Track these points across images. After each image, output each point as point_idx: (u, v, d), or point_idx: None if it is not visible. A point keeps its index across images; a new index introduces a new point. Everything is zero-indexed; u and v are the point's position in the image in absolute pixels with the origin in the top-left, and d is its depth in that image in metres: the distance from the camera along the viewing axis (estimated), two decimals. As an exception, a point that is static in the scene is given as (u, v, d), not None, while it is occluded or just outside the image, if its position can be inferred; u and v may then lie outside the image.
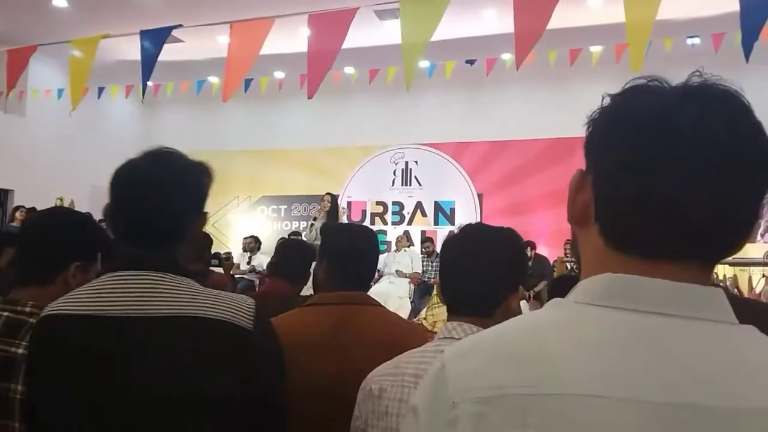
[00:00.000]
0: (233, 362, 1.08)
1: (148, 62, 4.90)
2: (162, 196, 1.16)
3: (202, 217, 1.26)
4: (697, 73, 0.63)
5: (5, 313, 1.36)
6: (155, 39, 4.97)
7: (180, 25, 5.04)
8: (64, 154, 11.25)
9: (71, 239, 1.47)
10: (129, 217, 1.18)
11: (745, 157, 0.59)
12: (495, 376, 0.57)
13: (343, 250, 1.74)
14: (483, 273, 1.29)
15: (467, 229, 1.40)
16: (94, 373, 1.07)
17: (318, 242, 6.45)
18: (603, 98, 0.65)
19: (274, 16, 4.62)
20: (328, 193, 7.42)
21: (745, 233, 0.61)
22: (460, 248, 1.35)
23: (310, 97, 4.31)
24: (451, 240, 1.39)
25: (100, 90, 9.22)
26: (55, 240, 1.46)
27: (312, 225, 7.03)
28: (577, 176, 0.67)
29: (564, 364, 0.56)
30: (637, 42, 3.79)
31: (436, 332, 1.39)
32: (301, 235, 8.20)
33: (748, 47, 3.53)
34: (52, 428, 1.11)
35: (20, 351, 1.29)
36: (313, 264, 2.81)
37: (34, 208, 9.23)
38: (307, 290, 2.85)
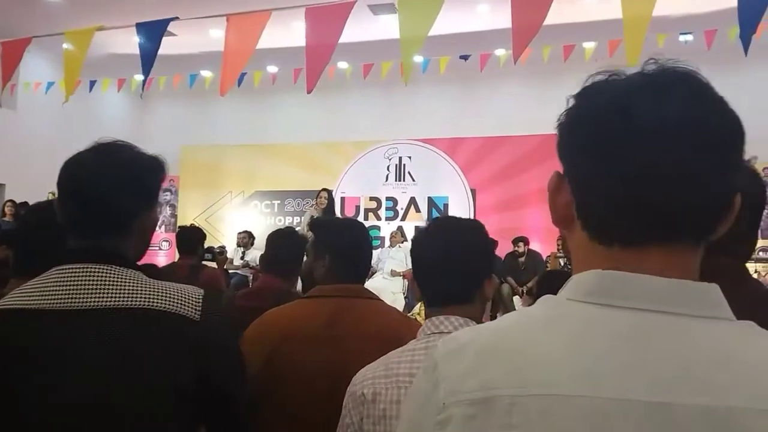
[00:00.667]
0: (180, 352, 1.08)
1: (147, 56, 4.87)
2: (103, 187, 1.15)
3: (152, 210, 1.25)
4: (652, 61, 0.64)
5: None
6: (151, 32, 4.93)
7: (176, 18, 5.00)
8: (56, 148, 11.11)
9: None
10: (72, 207, 1.18)
11: (708, 133, 0.59)
12: (484, 377, 0.57)
13: (347, 245, 1.75)
14: (459, 260, 1.31)
15: (437, 223, 1.43)
16: (38, 367, 1.06)
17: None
18: (567, 101, 0.66)
19: (270, 9, 4.60)
20: (324, 189, 7.42)
21: (723, 209, 0.61)
22: (434, 241, 1.36)
23: (309, 92, 4.32)
24: (422, 235, 1.40)
25: (92, 83, 9.17)
26: (53, 233, 1.45)
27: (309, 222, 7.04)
28: (554, 178, 0.68)
29: (551, 364, 0.56)
30: (633, 38, 3.80)
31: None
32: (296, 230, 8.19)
33: (746, 41, 3.55)
34: (4, 424, 1.10)
35: None
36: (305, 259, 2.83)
37: (25, 203, 9.18)
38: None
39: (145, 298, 1.09)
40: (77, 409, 1.05)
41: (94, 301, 1.08)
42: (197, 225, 4.89)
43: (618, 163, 0.60)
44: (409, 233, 10.12)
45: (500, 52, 8.77)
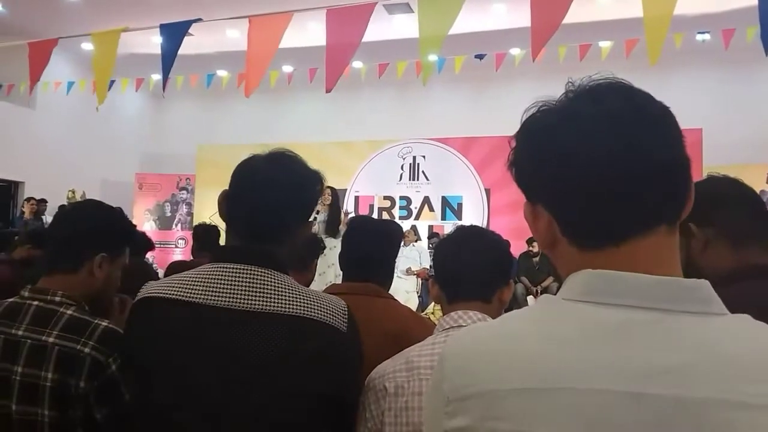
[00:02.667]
0: (330, 361, 1.12)
1: (168, 57, 4.93)
2: (277, 197, 1.19)
3: (308, 224, 1.29)
4: (570, 83, 0.70)
5: (35, 302, 1.39)
6: (173, 33, 4.99)
7: (200, 19, 5.05)
8: (74, 147, 11.34)
9: (97, 230, 1.50)
10: (242, 210, 1.22)
11: (649, 114, 0.65)
12: (475, 374, 0.62)
13: (352, 244, 1.79)
14: (481, 260, 1.37)
15: (463, 228, 1.49)
16: (192, 359, 1.10)
17: (322, 235, 6.51)
18: (510, 142, 0.72)
19: (292, 11, 4.64)
20: (328, 187, 7.49)
21: (684, 182, 0.65)
22: (459, 243, 1.42)
23: (328, 91, 4.37)
24: (448, 238, 1.47)
25: (111, 83, 9.27)
26: (82, 230, 1.49)
27: (315, 218, 7.10)
28: (527, 208, 0.72)
29: (536, 360, 0.59)
30: (654, 37, 3.78)
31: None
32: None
33: (766, 40, 3.54)
34: (145, 409, 1.13)
35: (51, 340, 1.32)
36: (320, 255, 2.89)
37: (43, 200, 9.33)
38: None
39: (303, 306, 1.13)
40: (228, 408, 1.07)
41: (260, 305, 1.12)
42: (213, 223, 4.93)
43: (586, 171, 0.64)
44: (423, 232, 10.14)
45: (515, 51, 8.75)
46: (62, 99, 10.15)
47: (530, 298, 8.20)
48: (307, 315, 1.12)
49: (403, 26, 8.99)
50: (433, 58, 7.54)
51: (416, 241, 9.05)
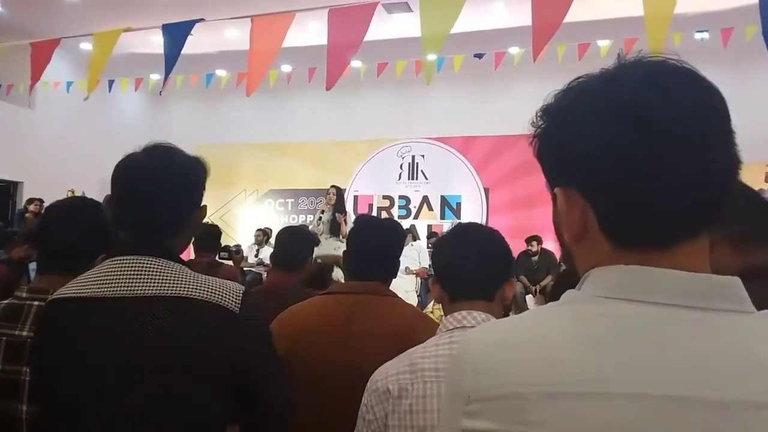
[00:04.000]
0: (219, 342, 1.13)
1: (171, 57, 4.93)
2: (155, 188, 1.21)
3: (200, 210, 1.30)
4: (621, 56, 0.67)
5: (36, 303, 1.39)
6: (176, 33, 4.99)
7: (202, 19, 5.05)
8: (73, 147, 11.32)
9: (97, 231, 1.49)
10: (124, 206, 1.24)
11: (717, 118, 0.61)
12: (502, 374, 0.58)
13: (357, 243, 1.79)
14: (482, 257, 1.35)
15: (461, 225, 1.47)
16: (91, 351, 1.12)
17: (324, 235, 6.46)
18: (537, 115, 0.68)
19: (294, 11, 4.64)
20: (333, 186, 7.49)
21: (731, 181, 0.62)
22: (458, 239, 1.40)
23: (328, 89, 4.39)
24: (447, 236, 1.45)
25: (110, 83, 9.27)
26: (82, 231, 1.48)
27: (320, 218, 7.09)
28: (561, 196, 0.66)
29: (568, 362, 0.56)
30: (654, 35, 3.79)
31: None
32: (308, 228, 8.25)
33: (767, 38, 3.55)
34: (56, 404, 1.15)
35: None
36: (314, 252, 2.88)
37: (40, 200, 9.30)
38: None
39: (188, 288, 1.15)
40: (120, 389, 1.10)
41: (141, 289, 1.14)
42: (213, 223, 4.93)
43: (646, 165, 0.59)
44: (422, 232, 10.13)
45: (514, 50, 8.75)
46: (61, 99, 10.13)
47: (529, 297, 8.20)
48: (191, 296, 1.13)
49: (402, 25, 8.99)
50: (432, 57, 7.55)
51: (415, 241, 9.05)
